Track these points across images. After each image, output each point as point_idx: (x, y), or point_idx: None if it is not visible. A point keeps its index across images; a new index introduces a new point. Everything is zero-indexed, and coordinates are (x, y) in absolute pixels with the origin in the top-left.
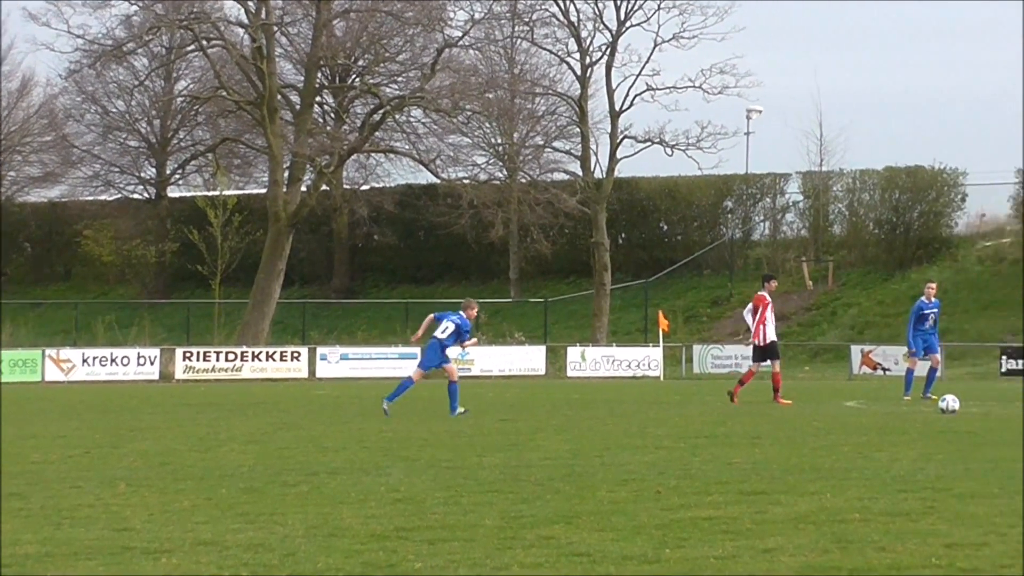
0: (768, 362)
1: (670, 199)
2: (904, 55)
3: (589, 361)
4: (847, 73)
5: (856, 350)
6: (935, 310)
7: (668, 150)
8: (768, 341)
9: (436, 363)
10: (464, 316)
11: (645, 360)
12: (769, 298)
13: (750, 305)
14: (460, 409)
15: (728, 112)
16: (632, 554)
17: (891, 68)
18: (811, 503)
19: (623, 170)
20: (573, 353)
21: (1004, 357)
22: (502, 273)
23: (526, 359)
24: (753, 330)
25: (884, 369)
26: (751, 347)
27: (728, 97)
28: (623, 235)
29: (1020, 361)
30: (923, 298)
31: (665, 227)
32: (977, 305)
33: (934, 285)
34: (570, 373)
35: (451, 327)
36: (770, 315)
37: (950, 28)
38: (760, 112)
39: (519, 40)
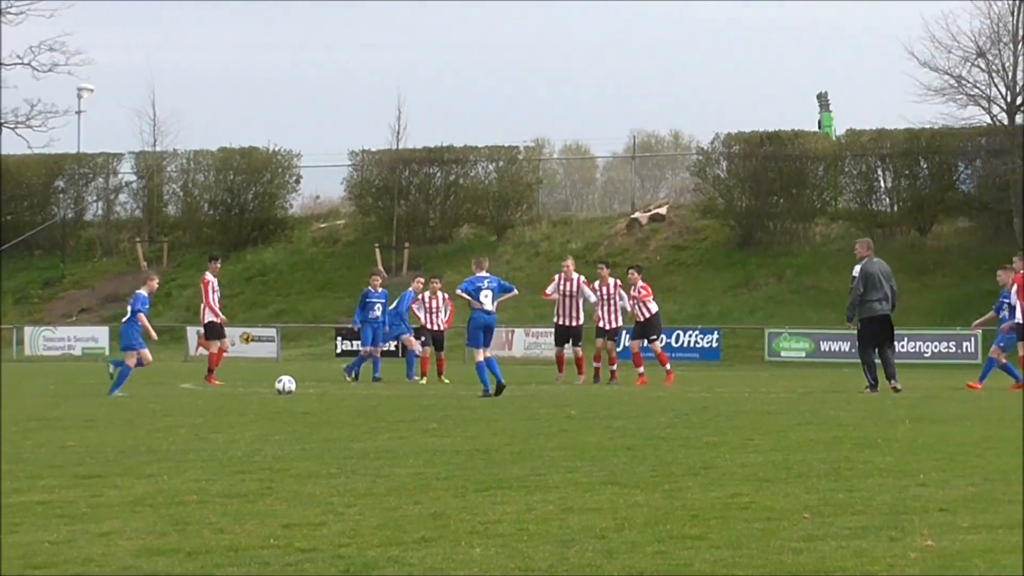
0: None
1: None
2: (239, 34)
3: None
4: (181, 52)
5: (192, 331)
6: (383, 300)
7: None
8: (206, 321)
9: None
10: (141, 292)
11: None
12: (211, 277)
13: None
14: (120, 393)
15: (59, 90)
16: None
17: (225, 47)
18: (148, 486)
19: None
20: None
21: (339, 338)
22: None
23: None
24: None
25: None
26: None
27: (59, 75)
28: None
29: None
30: (370, 287)
31: None
32: (312, 286)
33: (379, 277)
34: None
35: (129, 308)
36: (213, 296)
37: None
38: (92, 91)
39: None
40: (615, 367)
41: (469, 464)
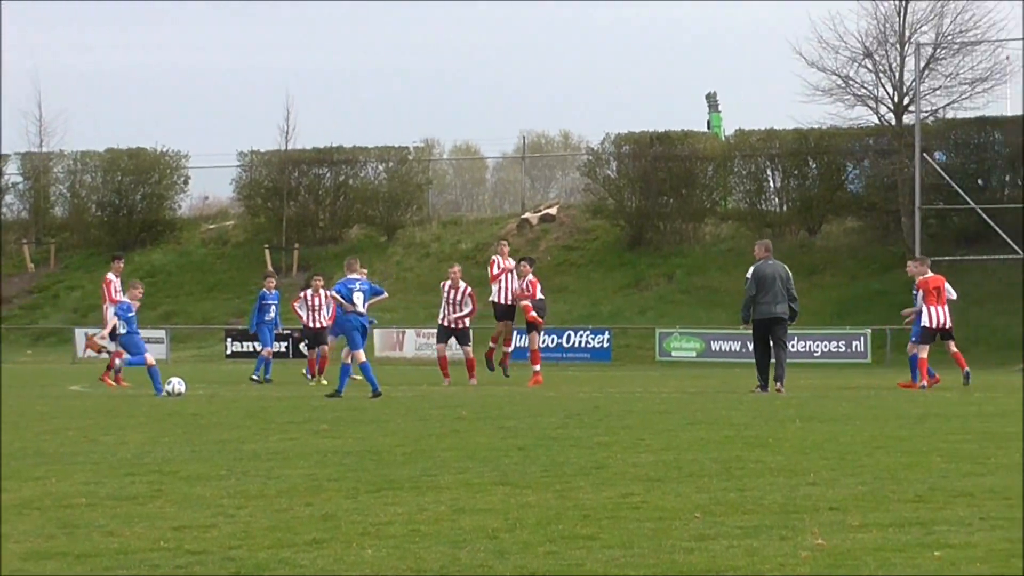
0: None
1: None
2: (126, 34)
3: None
4: (67, 52)
5: (80, 333)
6: (276, 301)
7: None
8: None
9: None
10: (124, 300)
11: None
12: (113, 277)
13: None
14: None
15: None
16: None
17: (112, 47)
18: (36, 489)
19: None
20: None
21: (229, 340)
22: None
23: None
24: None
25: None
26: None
27: None
28: None
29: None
30: (265, 289)
31: None
32: (202, 287)
33: (273, 279)
34: None
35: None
36: (116, 296)
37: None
38: None
39: None
40: (510, 349)
41: (360, 465)
